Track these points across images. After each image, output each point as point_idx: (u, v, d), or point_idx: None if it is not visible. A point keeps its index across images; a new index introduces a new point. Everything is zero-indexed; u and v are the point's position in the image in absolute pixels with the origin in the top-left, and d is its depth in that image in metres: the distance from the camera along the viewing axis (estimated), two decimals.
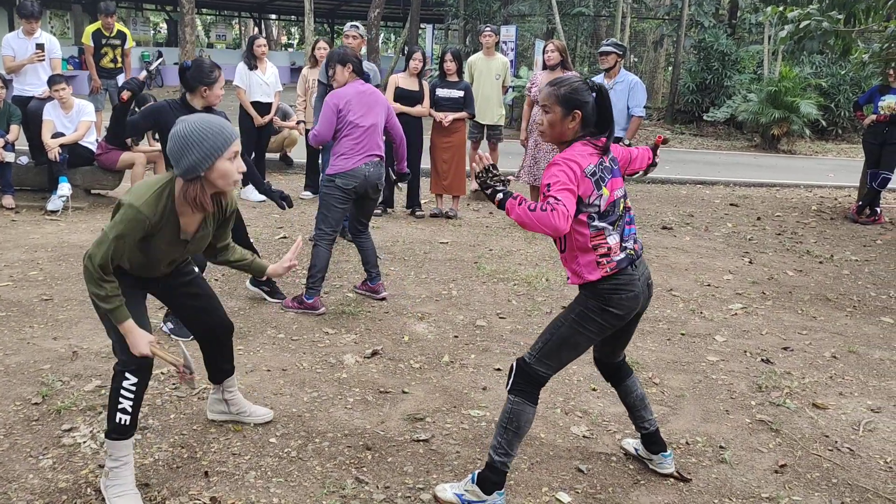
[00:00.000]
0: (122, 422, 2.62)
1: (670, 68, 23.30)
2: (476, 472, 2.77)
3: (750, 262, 6.61)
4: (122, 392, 2.61)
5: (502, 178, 2.55)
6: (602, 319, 2.67)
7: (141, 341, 2.59)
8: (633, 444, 3.20)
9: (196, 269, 3.07)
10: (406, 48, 19.80)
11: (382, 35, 35.89)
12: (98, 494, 2.70)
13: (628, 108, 6.70)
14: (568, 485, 2.96)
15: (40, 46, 7.42)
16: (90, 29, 8.97)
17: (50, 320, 4.35)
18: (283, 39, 44.46)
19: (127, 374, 2.62)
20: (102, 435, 3.08)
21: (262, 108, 8.02)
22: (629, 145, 6.31)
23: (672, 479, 3.02)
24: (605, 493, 2.92)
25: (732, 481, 3.05)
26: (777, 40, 17.45)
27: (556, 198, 2.42)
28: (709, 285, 5.81)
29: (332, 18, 35.65)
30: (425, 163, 7.69)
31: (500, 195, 2.51)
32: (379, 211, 7.64)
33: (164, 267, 2.80)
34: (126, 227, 2.49)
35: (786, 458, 3.24)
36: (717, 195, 10.38)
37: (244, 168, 2.61)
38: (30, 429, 3.15)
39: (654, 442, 3.04)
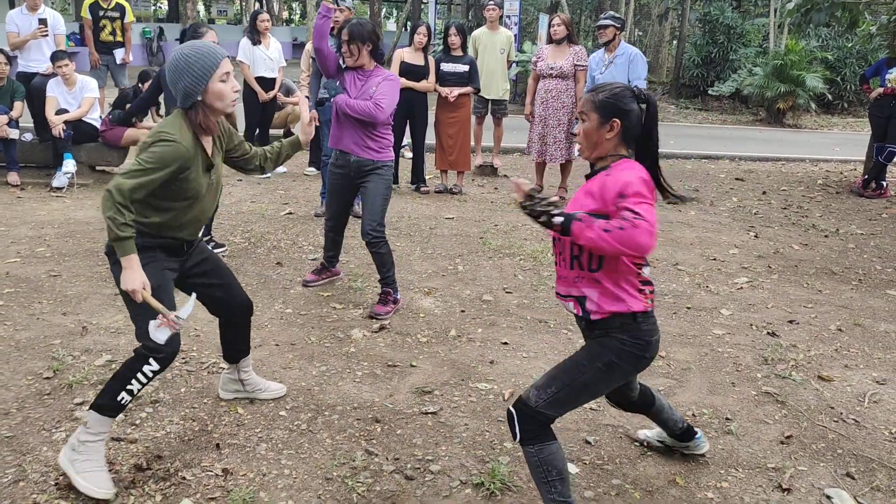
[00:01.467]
0: (123, 401, 2.60)
1: (675, 42, 23.12)
2: None
3: (755, 237, 6.61)
4: (139, 375, 2.59)
5: (552, 201, 2.19)
6: (634, 367, 2.40)
7: (137, 278, 2.49)
8: (652, 435, 3.09)
9: (211, 248, 3.08)
10: (409, 23, 19.67)
11: (385, 9, 35.60)
12: (111, 466, 2.73)
13: (629, 81, 6.67)
14: (575, 456, 2.99)
15: (43, 22, 7.39)
16: (88, 1, 8.89)
17: (59, 296, 4.38)
18: (285, 15, 44.12)
19: (151, 360, 2.59)
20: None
21: (267, 83, 7.99)
22: None
23: (678, 451, 3.05)
24: (612, 465, 2.95)
25: (739, 452, 3.07)
26: (783, 13, 17.32)
27: (634, 211, 2.08)
28: (714, 259, 5.81)
29: None
30: (430, 138, 7.67)
31: (559, 219, 2.14)
32: None
33: (200, 212, 2.75)
34: (165, 157, 2.48)
35: (791, 430, 3.27)
36: (722, 170, 10.35)
37: (239, 87, 2.67)
38: (42, 402, 3.18)
39: (685, 432, 2.94)
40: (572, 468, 2.89)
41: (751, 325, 4.47)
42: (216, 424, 3.09)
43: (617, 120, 2.34)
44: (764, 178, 9.82)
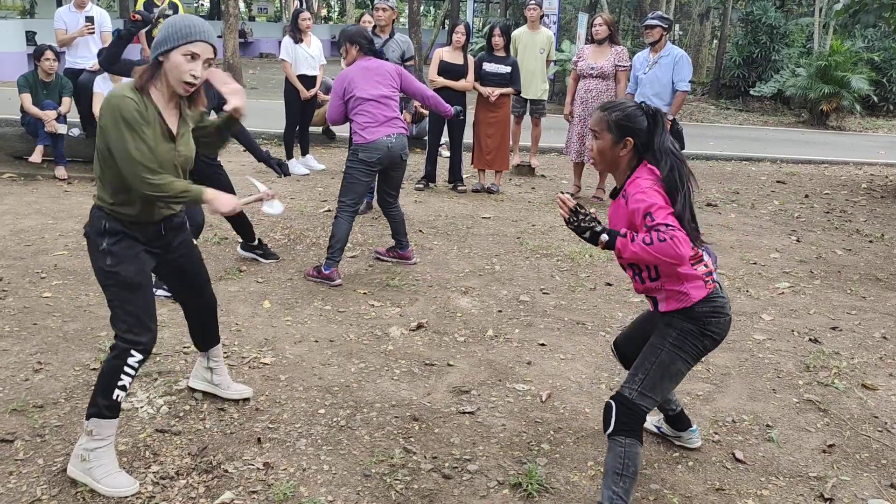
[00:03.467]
0: (118, 398, 2.59)
1: (716, 42, 22.82)
2: None
3: (797, 241, 6.51)
4: (126, 369, 2.58)
5: (595, 217, 2.40)
6: (701, 344, 2.54)
7: (228, 200, 2.64)
8: (651, 422, 3.18)
9: (190, 237, 2.99)
10: (447, 21, 19.70)
11: (423, 7, 35.63)
12: (156, 457, 2.80)
13: (673, 83, 6.61)
14: None
15: (90, 19, 7.53)
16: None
17: None
18: (323, 13, 44.44)
19: (133, 352, 2.59)
20: (159, 401, 3.18)
21: (308, 81, 8.05)
22: (673, 121, 6.24)
23: (718, 457, 3.03)
24: (650, 469, 2.94)
25: (779, 460, 3.04)
26: (828, 13, 16.97)
27: (666, 224, 2.27)
28: (755, 263, 5.74)
29: None
30: (468, 137, 7.68)
31: (604, 236, 2.36)
32: (421, 185, 7.67)
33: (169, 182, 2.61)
34: (123, 114, 2.44)
35: (834, 439, 3.22)
36: (763, 172, 10.19)
37: (198, 74, 2.54)
38: (89, 393, 3.24)
39: (679, 420, 3.05)
40: None
41: (792, 331, 4.41)
42: (257, 419, 3.14)
43: (630, 139, 2.47)
44: (806, 181, 9.66)
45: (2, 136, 7.63)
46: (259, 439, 2.97)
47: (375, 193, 5.48)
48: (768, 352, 4.09)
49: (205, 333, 3.17)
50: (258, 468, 2.79)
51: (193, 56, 2.51)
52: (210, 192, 2.62)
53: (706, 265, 2.54)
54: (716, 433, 3.23)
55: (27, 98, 7.02)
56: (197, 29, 2.52)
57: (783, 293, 5.08)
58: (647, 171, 2.47)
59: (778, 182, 9.41)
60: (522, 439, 3.10)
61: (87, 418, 2.62)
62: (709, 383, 3.69)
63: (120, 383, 2.59)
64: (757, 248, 6.17)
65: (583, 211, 2.40)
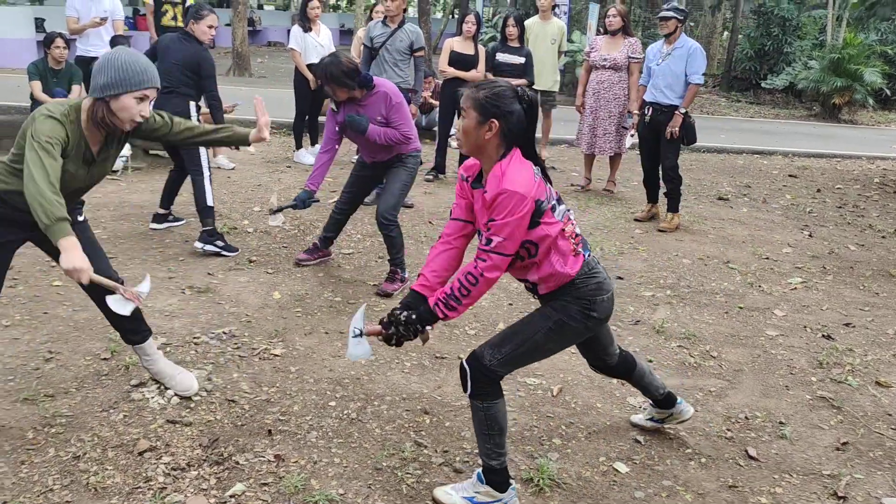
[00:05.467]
0: None
1: (727, 33, 22.67)
2: (479, 471, 2.58)
3: (809, 236, 6.46)
4: None
5: (404, 317, 2.44)
6: (584, 326, 2.49)
7: (80, 263, 2.43)
8: (640, 418, 3.16)
9: (84, 217, 2.98)
10: (456, 10, 19.59)
11: None
12: (167, 448, 2.79)
13: (686, 75, 6.54)
14: (625, 455, 2.97)
15: (104, 19, 7.50)
16: None
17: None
18: (332, 1, 44.31)
19: None
20: (170, 392, 3.18)
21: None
22: (686, 114, 6.19)
23: (731, 454, 3.01)
24: (662, 465, 2.92)
25: (792, 457, 3.02)
26: (842, 5, 16.84)
27: (489, 240, 2.30)
28: (767, 258, 5.70)
29: None
30: None
31: (421, 323, 2.43)
32: (431, 177, 7.64)
33: (77, 193, 2.78)
34: (50, 132, 2.49)
35: (847, 436, 3.20)
36: (774, 166, 10.13)
37: (147, 114, 2.68)
38: (100, 383, 3.26)
39: (667, 399, 3.01)
40: (622, 467, 2.87)
41: (805, 326, 4.38)
42: (267, 411, 3.13)
43: (496, 121, 2.32)
44: (818, 175, 9.59)
45: (11, 123, 7.61)
46: (270, 431, 2.97)
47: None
48: (781, 348, 4.06)
49: (122, 324, 3.02)
50: (269, 460, 2.78)
51: (143, 98, 2.66)
52: (68, 242, 2.42)
53: (577, 234, 2.47)
54: (728, 430, 3.21)
55: (37, 85, 7.01)
56: (149, 75, 2.66)
57: (796, 288, 5.05)
58: (520, 161, 2.35)
59: (790, 176, 9.35)
60: (534, 434, 3.09)
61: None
62: (721, 379, 3.66)
63: None
64: (769, 243, 6.13)
65: (394, 317, 2.46)
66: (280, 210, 4.55)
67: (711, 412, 3.34)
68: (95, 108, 2.64)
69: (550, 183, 2.45)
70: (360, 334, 2.52)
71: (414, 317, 2.43)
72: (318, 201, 4.80)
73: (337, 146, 4.66)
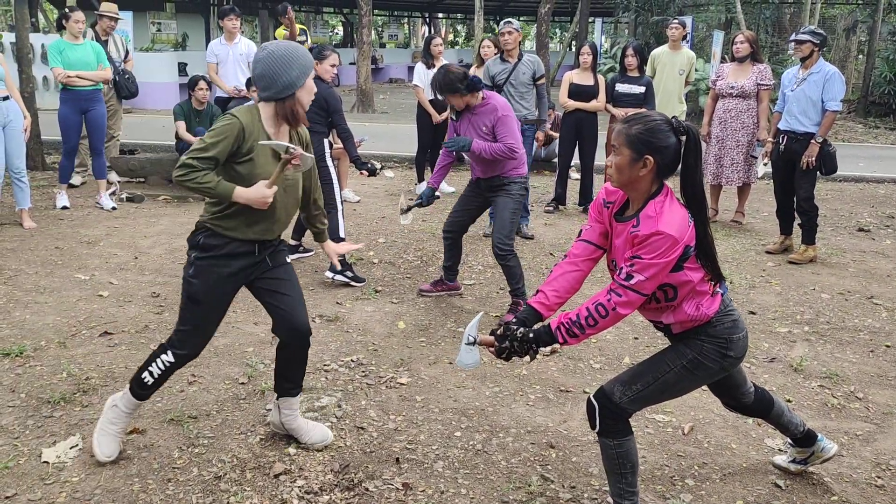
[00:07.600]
0: (146, 380, 2.87)
1: (862, 57, 21.52)
2: None
3: None
4: (157, 361, 2.87)
5: (522, 332, 2.38)
6: (719, 366, 2.41)
7: (261, 190, 2.68)
8: (783, 460, 3.00)
9: (289, 259, 3.09)
10: (574, 42, 19.61)
11: (549, 30, 35.61)
12: (301, 472, 2.88)
13: (822, 102, 6.24)
14: (764, 500, 2.82)
15: (240, 90, 7.88)
16: (279, 33, 9.51)
17: (251, 306, 4.68)
18: (450, 37, 45.29)
19: (170, 352, 2.86)
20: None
21: (440, 105, 8.19)
22: (823, 143, 5.89)
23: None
24: None
25: None
26: None
27: (627, 275, 2.25)
28: None
29: (500, 15, 35.88)
30: (600, 159, 7.55)
31: (528, 334, 2.38)
32: (551, 208, 7.61)
33: (273, 208, 2.79)
34: (221, 132, 2.65)
35: None
36: None
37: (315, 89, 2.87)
38: (238, 406, 3.41)
39: (807, 437, 2.87)
40: None
41: None
42: (395, 439, 3.18)
43: (650, 157, 2.24)
44: None
45: (158, 161, 8.19)
46: (398, 459, 3.01)
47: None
48: None
49: (287, 368, 3.02)
50: (397, 488, 2.82)
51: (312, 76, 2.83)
52: (239, 192, 2.68)
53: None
54: (878, 477, 2.99)
55: (182, 125, 7.51)
56: (307, 53, 2.83)
57: None
58: (675, 202, 2.29)
59: None
60: (664, 473, 2.99)
61: (129, 390, 2.93)
62: (868, 423, 3.43)
63: (150, 368, 2.87)
64: None
65: (510, 331, 2.40)
66: (409, 209, 4.86)
67: (858, 457, 3.13)
68: (287, 105, 2.77)
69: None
70: (474, 342, 2.51)
71: (531, 335, 2.37)
72: (439, 197, 5.10)
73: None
